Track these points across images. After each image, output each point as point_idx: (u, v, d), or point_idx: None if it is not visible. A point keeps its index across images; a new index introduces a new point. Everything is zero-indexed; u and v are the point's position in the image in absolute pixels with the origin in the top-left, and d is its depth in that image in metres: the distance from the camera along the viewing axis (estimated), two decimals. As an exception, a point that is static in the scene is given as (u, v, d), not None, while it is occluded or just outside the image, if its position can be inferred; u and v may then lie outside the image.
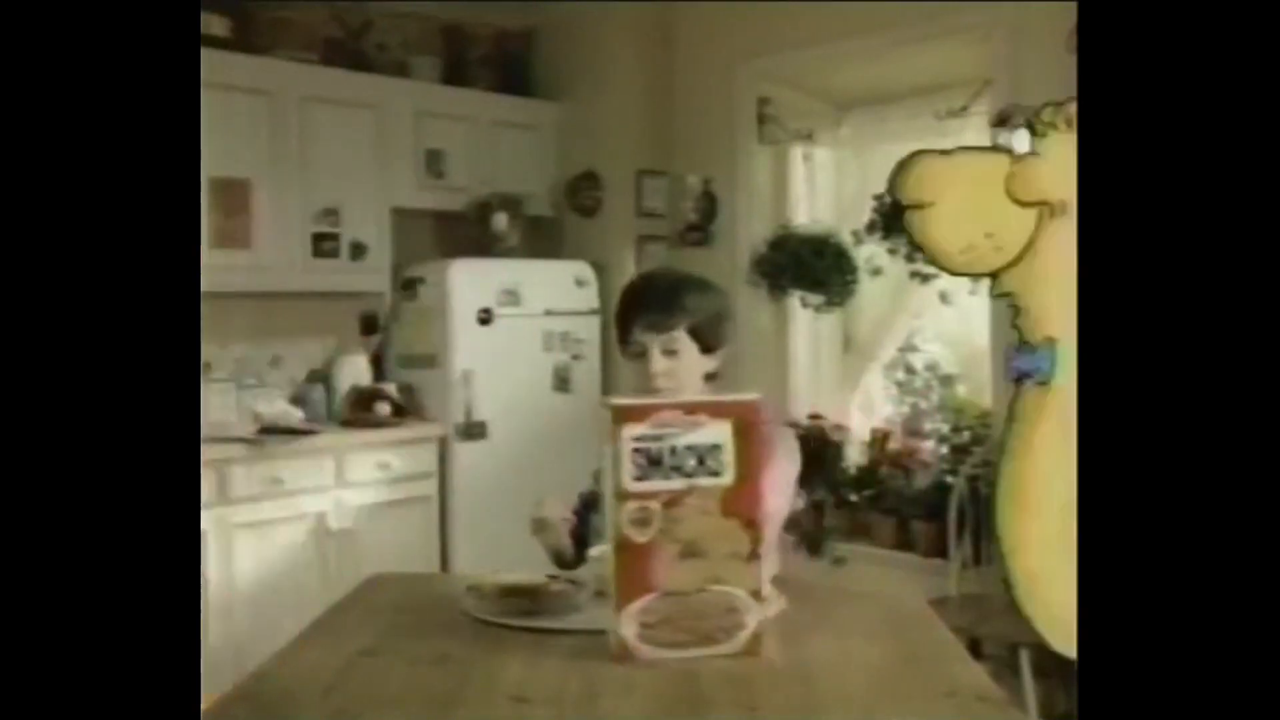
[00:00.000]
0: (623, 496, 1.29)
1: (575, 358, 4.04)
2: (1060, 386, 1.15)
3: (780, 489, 1.65)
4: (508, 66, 4.33)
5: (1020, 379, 1.34)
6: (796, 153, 4.18)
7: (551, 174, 4.34)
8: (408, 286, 3.95)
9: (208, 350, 3.56)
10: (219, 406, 3.56)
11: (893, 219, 3.35)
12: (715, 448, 1.30)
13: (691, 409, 1.31)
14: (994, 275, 1.09)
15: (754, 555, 1.31)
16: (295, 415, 3.62)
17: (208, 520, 3.12)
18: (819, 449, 3.80)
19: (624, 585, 1.31)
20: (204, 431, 3.19)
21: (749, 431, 1.31)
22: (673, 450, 1.30)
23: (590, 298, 4.09)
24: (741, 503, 1.31)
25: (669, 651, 1.31)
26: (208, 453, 3.10)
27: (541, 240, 4.29)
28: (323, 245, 3.73)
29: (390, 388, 3.85)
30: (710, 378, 1.80)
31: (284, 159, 3.61)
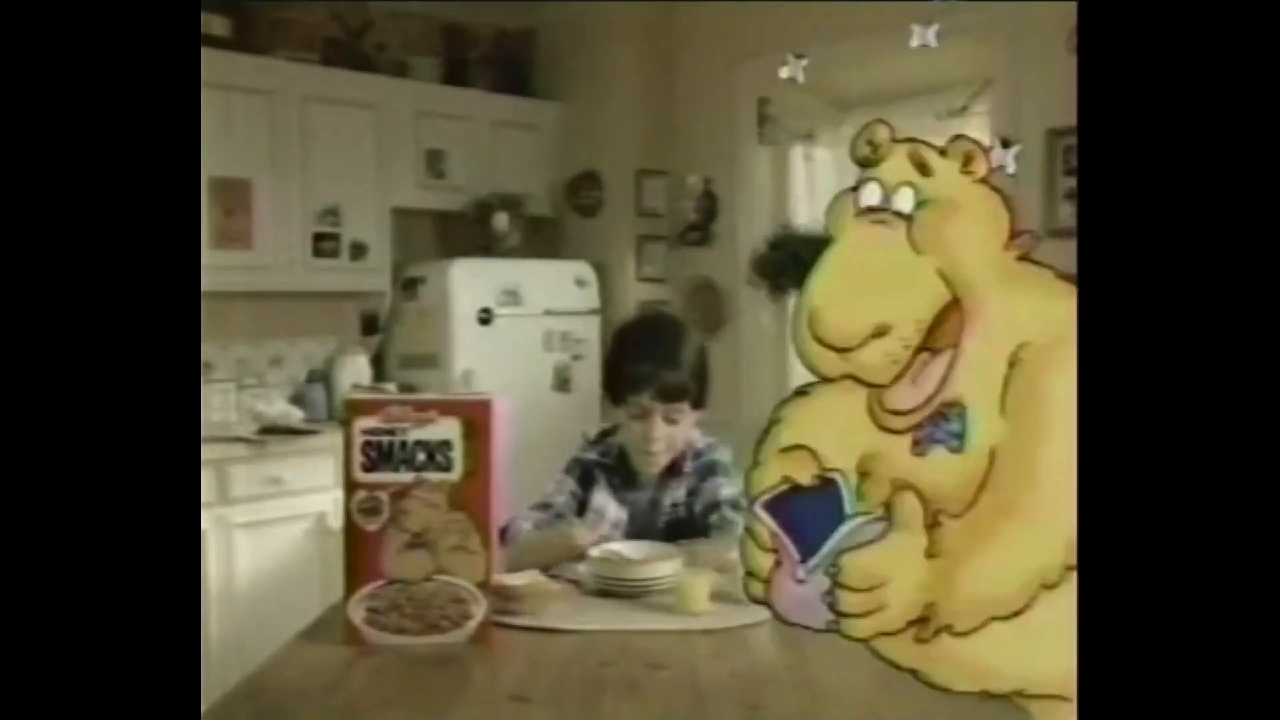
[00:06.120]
0: (351, 486, 1.35)
1: (575, 358, 4.04)
2: (976, 451, 0.95)
3: None
4: (508, 66, 4.33)
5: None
6: (797, 153, 4.17)
7: (551, 174, 4.34)
8: (408, 286, 3.95)
9: (208, 350, 3.56)
10: (219, 406, 3.57)
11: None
12: (444, 444, 1.35)
13: (423, 406, 1.37)
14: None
15: (482, 548, 1.35)
16: (295, 415, 3.62)
17: (208, 520, 3.11)
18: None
19: (353, 571, 1.36)
20: (204, 431, 3.19)
21: (480, 430, 1.35)
22: (403, 444, 1.35)
23: (590, 297, 4.09)
24: (470, 497, 1.35)
25: (396, 637, 1.35)
26: (208, 453, 3.09)
27: (542, 240, 4.28)
28: (323, 245, 3.73)
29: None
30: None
31: (284, 159, 3.61)
